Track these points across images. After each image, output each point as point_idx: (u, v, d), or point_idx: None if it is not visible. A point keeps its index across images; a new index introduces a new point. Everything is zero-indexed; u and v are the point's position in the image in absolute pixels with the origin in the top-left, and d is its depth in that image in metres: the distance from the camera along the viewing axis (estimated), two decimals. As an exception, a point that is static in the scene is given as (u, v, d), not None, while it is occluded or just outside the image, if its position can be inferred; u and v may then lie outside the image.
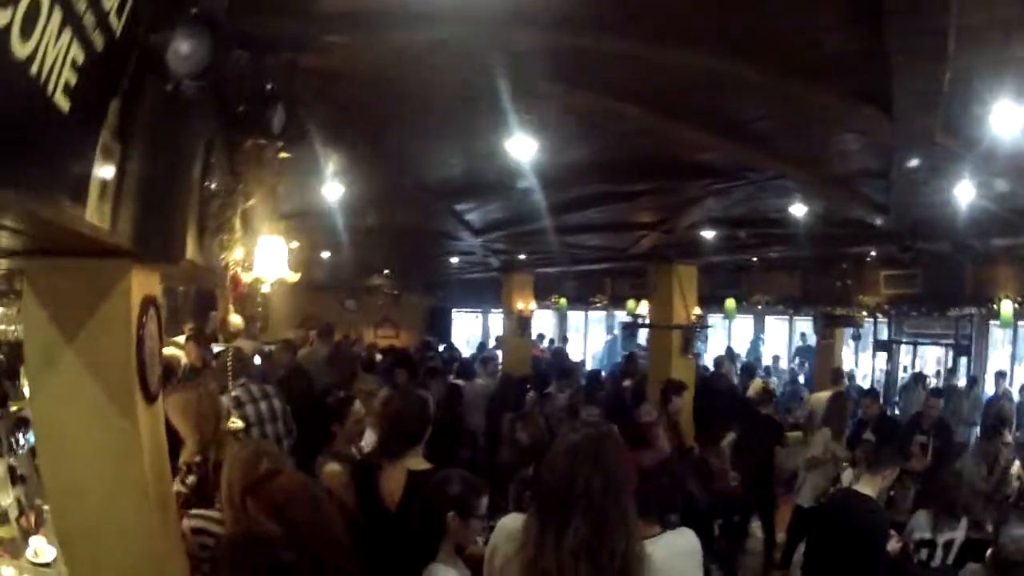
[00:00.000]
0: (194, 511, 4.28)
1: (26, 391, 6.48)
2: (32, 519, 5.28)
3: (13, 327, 7.11)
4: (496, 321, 23.57)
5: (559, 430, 4.07)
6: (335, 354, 10.15)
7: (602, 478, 2.96)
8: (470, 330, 26.79)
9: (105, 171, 2.85)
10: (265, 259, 5.42)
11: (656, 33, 4.40)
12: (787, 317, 21.05)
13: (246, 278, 5.43)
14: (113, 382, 3.59)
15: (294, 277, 5.51)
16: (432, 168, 8.43)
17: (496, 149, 6.48)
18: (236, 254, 5.32)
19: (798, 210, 9.18)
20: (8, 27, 1.71)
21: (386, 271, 19.43)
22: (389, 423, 4.88)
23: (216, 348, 8.34)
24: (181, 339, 8.68)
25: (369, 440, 5.66)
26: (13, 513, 5.32)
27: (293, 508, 3.46)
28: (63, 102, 2.21)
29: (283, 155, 4.79)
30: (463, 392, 11.41)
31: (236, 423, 5.42)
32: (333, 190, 7.90)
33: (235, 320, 5.29)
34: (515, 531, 3.18)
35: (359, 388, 7.59)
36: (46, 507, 5.33)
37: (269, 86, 4.13)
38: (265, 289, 5.83)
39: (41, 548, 4.96)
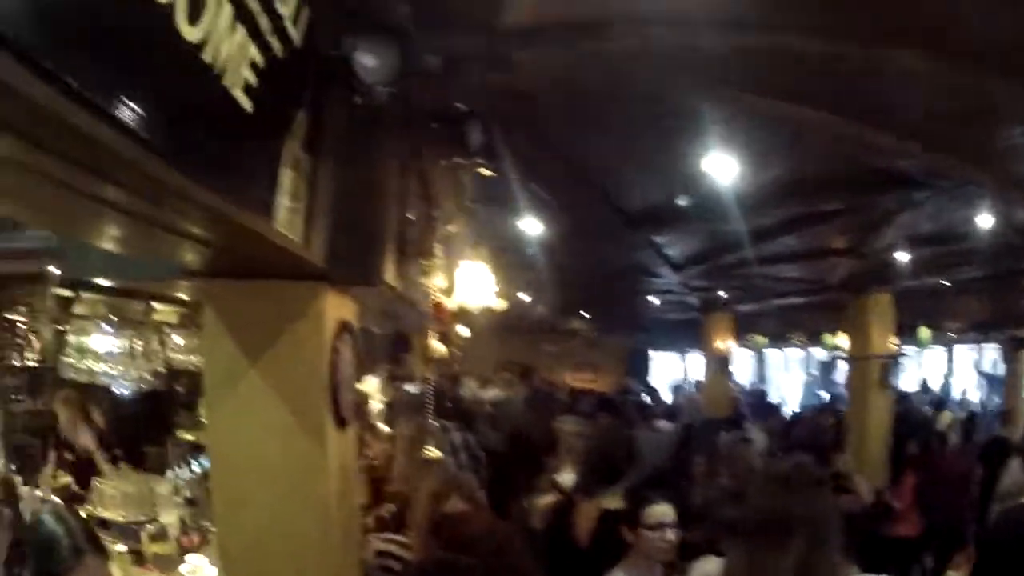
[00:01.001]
0: (383, 535, 4.31)
1: (204, 420, 6.72)
2: (195, 539, 5.48)
3: (193, 357, 7.38)
4: (694, 362, 23.08)
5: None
6: (535, 395, 10.11)
7: (821, 501, 2.88)
8: (669, 372, 26.38)
9: (295, 182, 2.83)
10: (468, 285, 5.35)
11: (848, 29, 4.14)
12: (976, 345, 19.56)
13: (449, 305, 5.37)
14: (302, 405, 3.58)
15: (500, 304, 5.43)
16: (630, 196, 8.21)
17: (694, 171, 6.31)
18: (437, 281, 5.28)
19: (985, 221, 8.64)
20: (171, 5, 1.67)
21: (584, 314, 19.40)
22: (589, 460, 4.80)
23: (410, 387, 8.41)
24: (373, 380, 8.84)
25: (567, 479, 5.57)
26: (174, 532, 5.59)
27: (476, 547, 3.38)
28: (244, 100, 2.19)
29: (484, 172, 4.70)
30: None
31: (433, 452, 5.39)
32: (530, 225, 7.81)
33: (437, 347, 5.23)
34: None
35: (559, 428, 7.50)
36: (212, 528, 5.51)
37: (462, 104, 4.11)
38: (463, 331, 5.74)
39: (199, 566, 5.14)
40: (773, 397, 20.49)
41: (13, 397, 8.91)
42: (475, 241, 5.51)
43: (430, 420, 6.50)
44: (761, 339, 21.10)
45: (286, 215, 2.80)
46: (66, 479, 6.85)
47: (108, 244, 2.92)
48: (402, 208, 4.34)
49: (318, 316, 3.52)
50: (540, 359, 17.46)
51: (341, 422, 3.82)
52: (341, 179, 3.43)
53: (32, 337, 8.87)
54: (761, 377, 24.09)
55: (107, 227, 2.56)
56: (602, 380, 19.53)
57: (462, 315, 5.68)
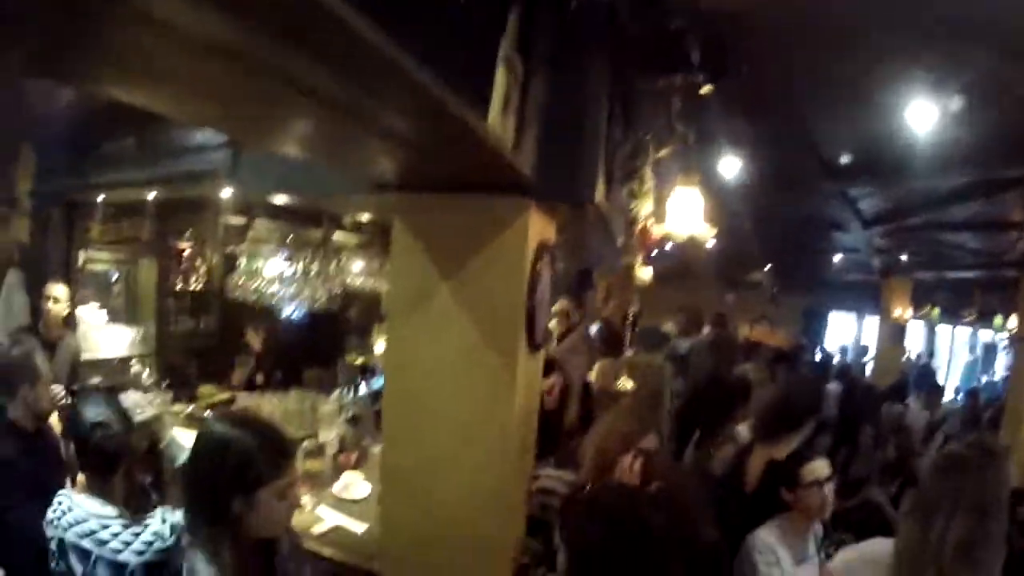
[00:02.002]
0: (546, 471, 4.30)
1: (375, 346, 6.78)
2: (352, 457, 5.68)
3: (369, 281, 7.47)
4: (869, 327, 22.53)
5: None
6: (718, 341, 10.02)
7: (993, 478, 3.12)
8: (843, 334, 25.83)
9: (508, 84, 2.75)
10: (678, 213, 5.22)
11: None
12: None
13: (656, 232, 5.26)
14: (495, 326, 3.54)
15: (709, 234, 5.29)
16: (832, 143, 7.88)
17: (897, 123, 6.07)
18: (646, 206, 5.17)
19: None
20: None
21: (767, 267, 19.19)
22: (770, 409, 4.76)
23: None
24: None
25: (743, 430, 5.49)
26: (332, 449, 5.78)
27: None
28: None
29: (705, 89, 4.55)
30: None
31: (626, 384, 5.36)
32: (728, 165, 7.61)
33: (642, 274, 5.14)
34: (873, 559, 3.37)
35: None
36: (373, 448, 5.69)
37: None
38: (647, 273, 5.59)
39: (354, 484, 5.35)
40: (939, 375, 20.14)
41: (175, 319, 9.34)
42: (686, 167, 5.34)
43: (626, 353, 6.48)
44: (935, 312, 20.60)
45: (498, 117, 2.72)
46: (223, 396, 7.17)
47: (300, 149, 2.89)
48: (611, 127, 4.26)
49: (520, 234, 3.44)
50: (718, 308, 17.25)
51: (534, 346, 3.76)
52: (552, 89, 3.33)
53: (199, 261, 9.21)
54: (930, 353, 23.45)
55: (303, 125, 2.51)
56: (778, 336, 19.22)
57: (663, 244, 5.55)
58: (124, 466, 3.36)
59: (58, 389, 4.67)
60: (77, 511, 3.06)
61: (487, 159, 2.79)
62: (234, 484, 2.43)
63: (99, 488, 3.25)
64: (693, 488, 4.01)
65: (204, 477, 2.52)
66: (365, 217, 7.78)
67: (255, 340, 8.11)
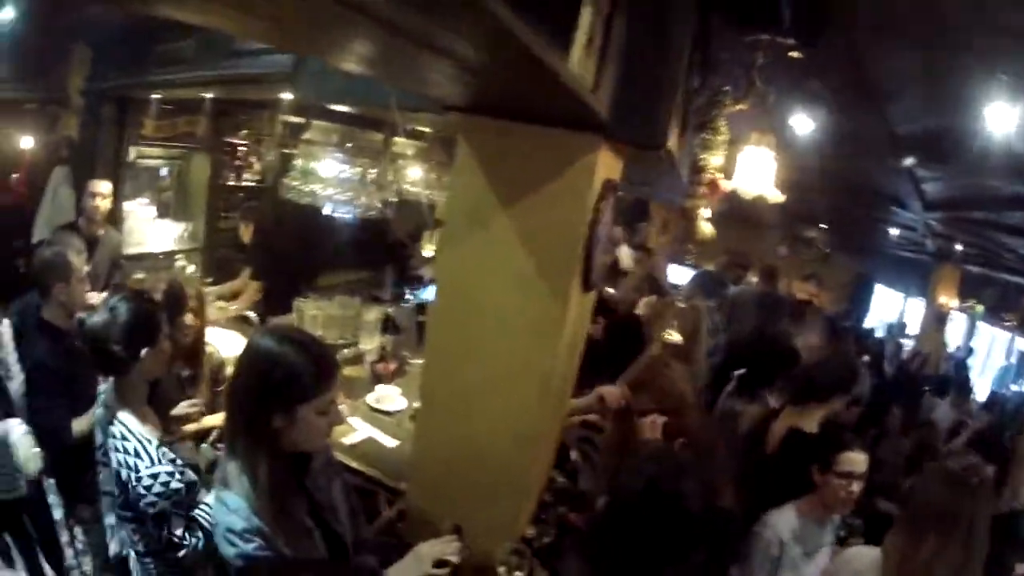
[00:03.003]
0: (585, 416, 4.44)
1: (424, 252, 6.80)
2: (391, 367, 5.75)
3: (425, 191, 7.46)
4: (914, 309, 22.12)
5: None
6: (766, 298, 9.95)
7: (982, 517, 3.23)
8: (887, 310, 25.59)
9: (592, 21, 2.70)
10: (748, 170, 5.16)
11: None
12: None
13: (724, 186, 5.21)
14: (551, 260, 3.51)
15: (778, 197, 5.23)
16: (908, 121, 7.73)
17: (976, 115, 5.96)
18: (715, 159, 5.11)
19: None
20: None
21: (823, 224, 19.01)
22: (808, 374, 4.86)
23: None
24: (624, 249, 8.81)
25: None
26: (371, 357, 5.88)
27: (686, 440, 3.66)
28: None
29: (794, 54, 4.47)
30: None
31: (672, 336, 5.35)
32: (799, 123, 7.52)
33: (705, 228, 5.09)
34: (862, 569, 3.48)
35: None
36: (412, 360, 5.73)
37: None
38: (707, 227, 5.55)
39: (388, 396, 5.46)
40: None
41: (224, 215, 9.41)
42: (762, 126, 5.27)
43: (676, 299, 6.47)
44: (979, 308, 20.38)
45: (580, 56, 2.69)
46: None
47: (360, 68, 2.85)
48: (690, 73, 4.20)
49: (587, 171, 3.39)
50: (769, 259, 17.14)
51: (588, 286, 3.75)
52: (634, 29, 3.29)
53: (253, 159, 9.25)
54: (968, 349, 23.25)
55: (362, 46, 2.44)
56: (824, 297, 19.10)
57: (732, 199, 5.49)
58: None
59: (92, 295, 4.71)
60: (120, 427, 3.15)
61: (564, 98, 2.75)
62: (277, 399, 2.48)
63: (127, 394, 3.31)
64: (720, 452, 4.06)
65: (247, 390, 2.55)
66: (424, 128, 7.73)
67: (246, 234, 8.16)
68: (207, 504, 3.07)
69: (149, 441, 3.14)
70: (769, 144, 5.17)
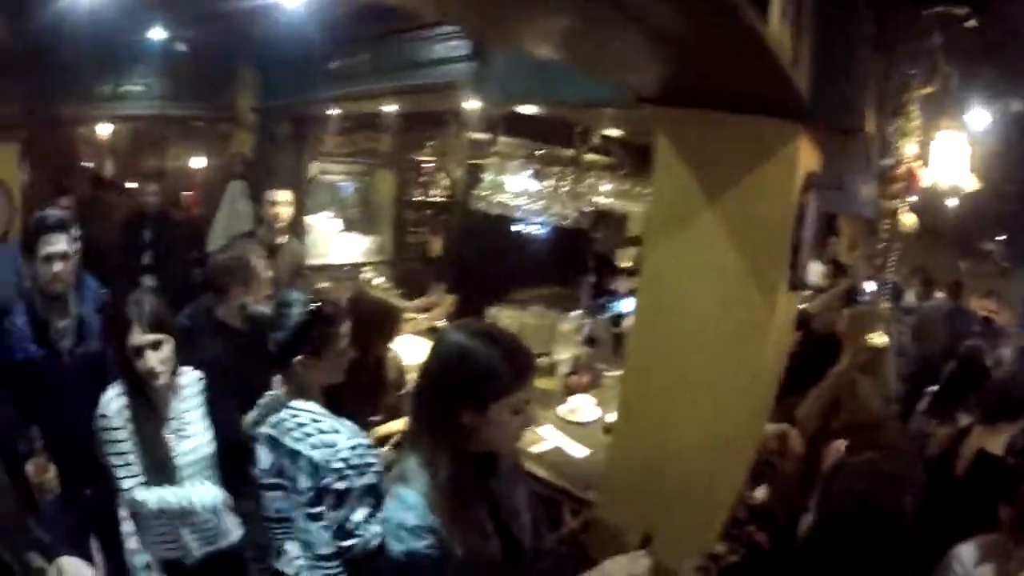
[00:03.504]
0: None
1: (619, 269, 6.69)
2: (584, 380, 5.61)
3: (620, 202, 7.33)
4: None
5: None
6: (956, 312, 9.52)
7: None
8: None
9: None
10: (943, 159, 4.86)
11: None
12: None
13: (922, 176, 4.91)
14: (757, 258, 3.36)
15: (974, 184, 4.91)
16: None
17: None
18: (910, 148, 4.83)
19: None
20: None
21: (1002, 237, 18.02)
22: (991, 390, 4.69)
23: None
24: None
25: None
26: (564, 369, 5.76)
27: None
28: None
29: (969, 23, 4.19)
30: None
31: (880, 339, 5.08)
32: (976, 118, 7.07)
33: (908, 220, 4.79)
34: None
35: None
36: (607, 373, 5.63)
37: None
38: (910, 218, 5.24)
39: (581, 407, 5.30)
40: None
41: (411, 229, 9.54)
42: (950, 110, 4.95)
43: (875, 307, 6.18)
44: None
45: (777, 24, 2.50)
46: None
47: (554, 48, 2.75)
48: (876, 58, 3.99)
49: (788, 162, 3.24)
50: (948, 275, 16.43)
51: (794, 285, 3.58)
52: (825, 6, 3.14)
53: (440, 174, 9.35)
54: None
55: (558, 21, 2.34)
56: (1003, 316, 18.24)
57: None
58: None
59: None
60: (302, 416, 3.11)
61: (766, 71, 2.60)
62: (468, 394, 2.37)
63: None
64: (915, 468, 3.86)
65: (435, 385, 2.47)
66: (615, 133, 7.61)
67: (436, 247, 8.12)
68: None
69: (342, 421, 3.12)
70: (960, 128, 4.85)
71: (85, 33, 6.76)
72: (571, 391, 5.69)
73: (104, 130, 11.09)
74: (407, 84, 6.81)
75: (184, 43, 7.91)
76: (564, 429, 5.17)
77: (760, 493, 4.17)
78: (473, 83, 5.95)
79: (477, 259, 8.24)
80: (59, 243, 4.01)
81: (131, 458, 3.35)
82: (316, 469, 2.98)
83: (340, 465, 2.94)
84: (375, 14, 6.45)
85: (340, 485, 2.93)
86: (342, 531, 2.94)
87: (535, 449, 4.85)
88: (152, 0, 6.97)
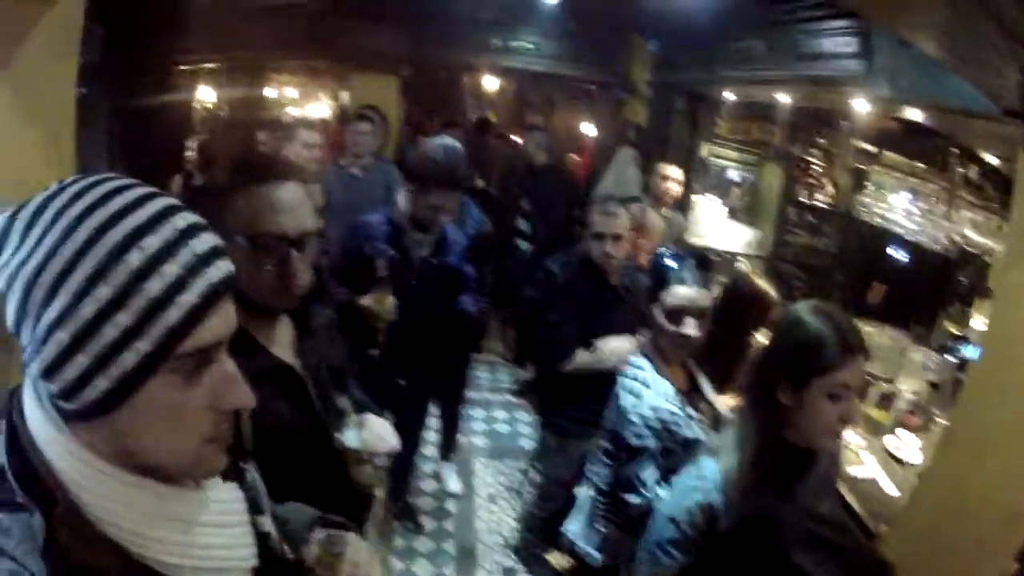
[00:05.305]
0: None
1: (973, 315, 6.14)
2: (915, 420, 5.32)
3: (983, 239, 6.69)
4: None
5: None
6: None
7: None
8: None
9: None
10: None
11: None
12: None
13: None
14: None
15: None
16: None
17: None
18: None
19: None
20: None
21: None
22: None
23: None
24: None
25: None
26: (901, 403, 5.48)
27: None
28: None
29: None
30: None
31: None
32: None
33: None
34: None
35: None
36: (938, 419, 5.28)
37: None
38: None
39: (908, 445, 5.08)
40: None
41: (791, 229, 9.25)
42: None
43: None
44: None
45: None
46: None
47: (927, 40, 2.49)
48: None
49: None
50: None
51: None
52: None
53: (825, 178, 8.98)
54: None
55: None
56: None
57: None
58: None
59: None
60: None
61: None
62: (788, 364, 2.40)
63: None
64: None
65: (766, 355, 2.53)
66: (993, 161, 6.95)
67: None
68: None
69: (664, 384, 3.21)
70: None
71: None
72: (901, 426, 5.36)
73: (489, 82, 11.71)
74: (797, 75, 6.62)
75: (573, 5, 8.11)
76: (884, 463, 4.90)
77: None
78: (860, 81, 5.70)
79: (851, 269, 8.01)
80: None
81: None
82: (619, 414, 3.19)
83: (635, 420, 3.08)
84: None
85: (634, 440, 3.07)
86: (628, 484, 3.08)
87: (852, 471, 4.65)
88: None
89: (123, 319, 1.05)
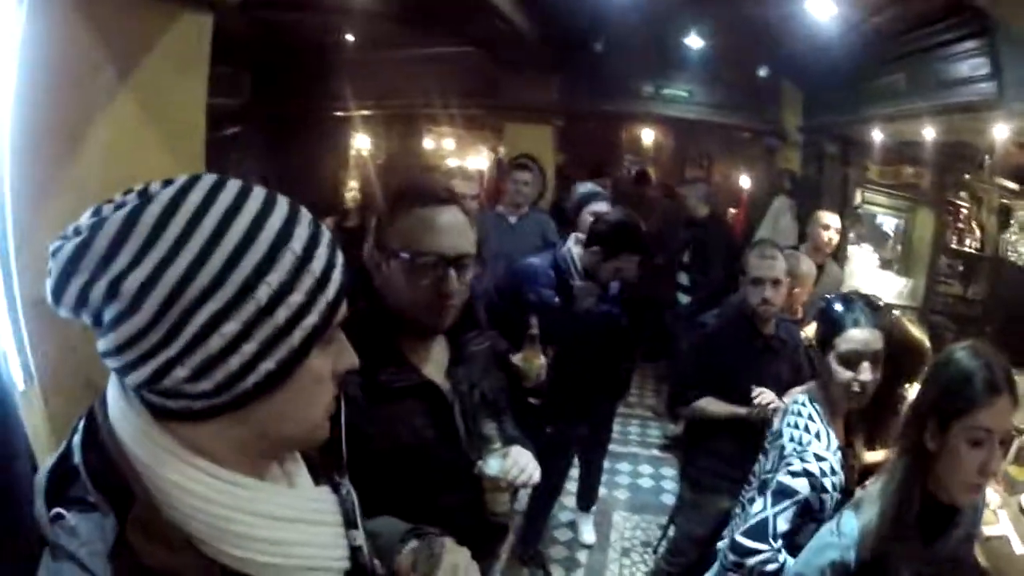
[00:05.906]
0: None
1: None
2: None
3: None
4: None
5: None
6: None
7: None
8: None
9: None
10: None
11: None
12: None
13: None
14: None
15: None
16: None
17: None
18: None
19: None
20: None
21: None
22: None
23: None
24: None
25: None
26: None
27: None
28: None
29: None
30: None
31: None
32: None
33: None
34: None
35: None
36: None
37: None
38: None
39: None
40: None
41: (942, 279, 8.98)
42: None
43: None
44: None
45: None
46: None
47: None
48: None
49: None
50: None
51: None
52: None
53: (973, 222, 8.73)
54: None
55: None
56: None
57: None
58: None
59: None
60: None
61: None
62: (939, 404, 2.29)
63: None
64: None
65: (919, 397, 2.43)
66: None
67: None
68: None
69: (831, 436, 3.05)
70: None
71: (628, 32, 7.26)
72: (1048, 490, 5.09)
73: (646, 133, 11.80)
74: (937, 104, 6.52)
75: (720, 51, 8.15)
76: (1015, 518, 4.57)
77: None
78: (995, 100, 5.66)
79: (1002, 315, 7.69)
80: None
81: None
82: (780, 457, 3.03)
83: (794, 462, 2.91)
84: (901, 28, 6.32)
85: (787, 480, 2.89)
86: (757, 530, 2.87)
87: (986, 530, 4.29)
88: (684, 3, 7.29)
89: (282, 314, 1.14)
